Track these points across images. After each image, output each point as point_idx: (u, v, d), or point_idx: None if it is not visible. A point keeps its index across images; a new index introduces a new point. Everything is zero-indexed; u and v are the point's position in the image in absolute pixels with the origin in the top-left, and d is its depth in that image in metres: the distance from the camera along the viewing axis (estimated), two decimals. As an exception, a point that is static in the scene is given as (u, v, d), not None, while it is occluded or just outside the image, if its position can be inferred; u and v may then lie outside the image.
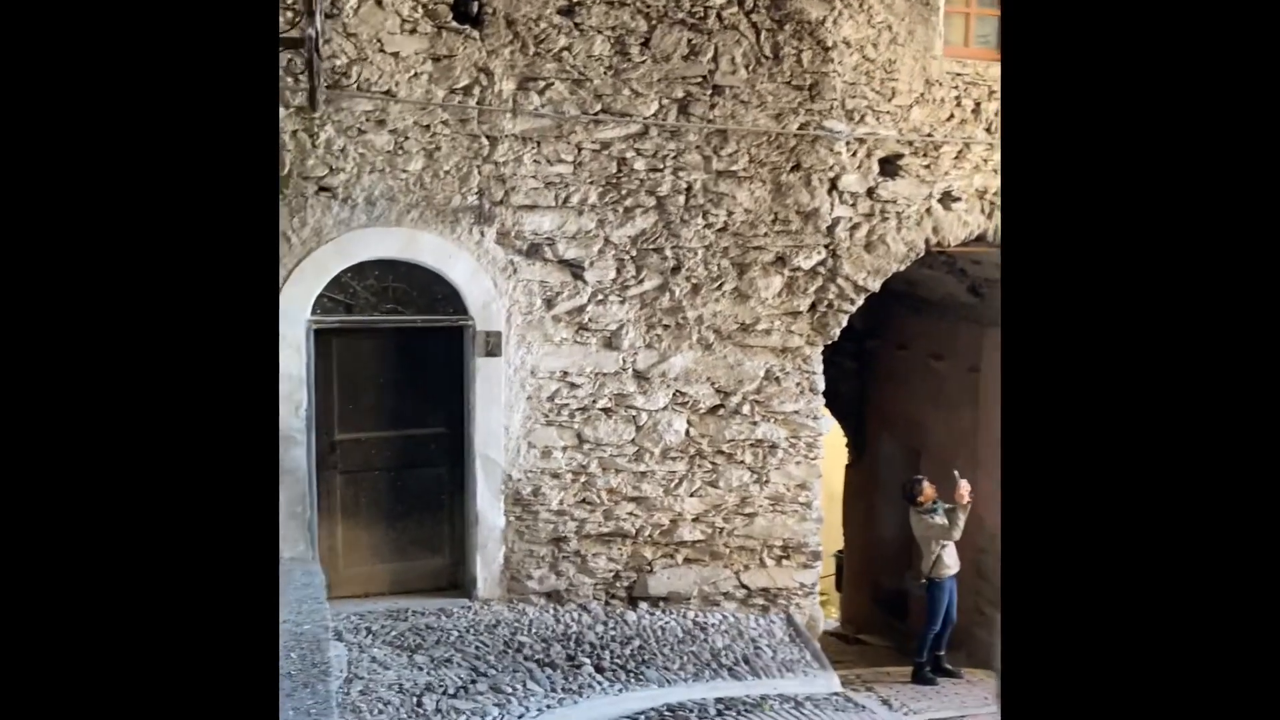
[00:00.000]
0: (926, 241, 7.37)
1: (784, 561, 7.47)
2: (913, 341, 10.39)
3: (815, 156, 7.08)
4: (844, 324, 7.36)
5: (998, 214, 7.48)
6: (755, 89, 6.99)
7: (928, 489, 7.93)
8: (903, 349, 10.53)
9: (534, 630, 6.72)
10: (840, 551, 12.78)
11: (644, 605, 7.21)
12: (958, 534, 7.75)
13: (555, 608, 7.05)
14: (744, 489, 7.32)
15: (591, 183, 6.83)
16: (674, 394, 7.13)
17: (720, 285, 7.10)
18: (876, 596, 11.41)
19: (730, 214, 7.03)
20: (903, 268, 7.37)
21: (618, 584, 7.20)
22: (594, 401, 7.02)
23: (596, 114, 6.77)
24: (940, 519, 7.77)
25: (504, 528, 6.97)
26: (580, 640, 6.64)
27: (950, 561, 7.87)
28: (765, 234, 7.09)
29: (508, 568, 7.01)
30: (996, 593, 7.85)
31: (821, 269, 7.20)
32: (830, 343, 7.38)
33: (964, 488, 7.66)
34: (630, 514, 7.16)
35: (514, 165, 6.71)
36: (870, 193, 7.22)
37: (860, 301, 7.33)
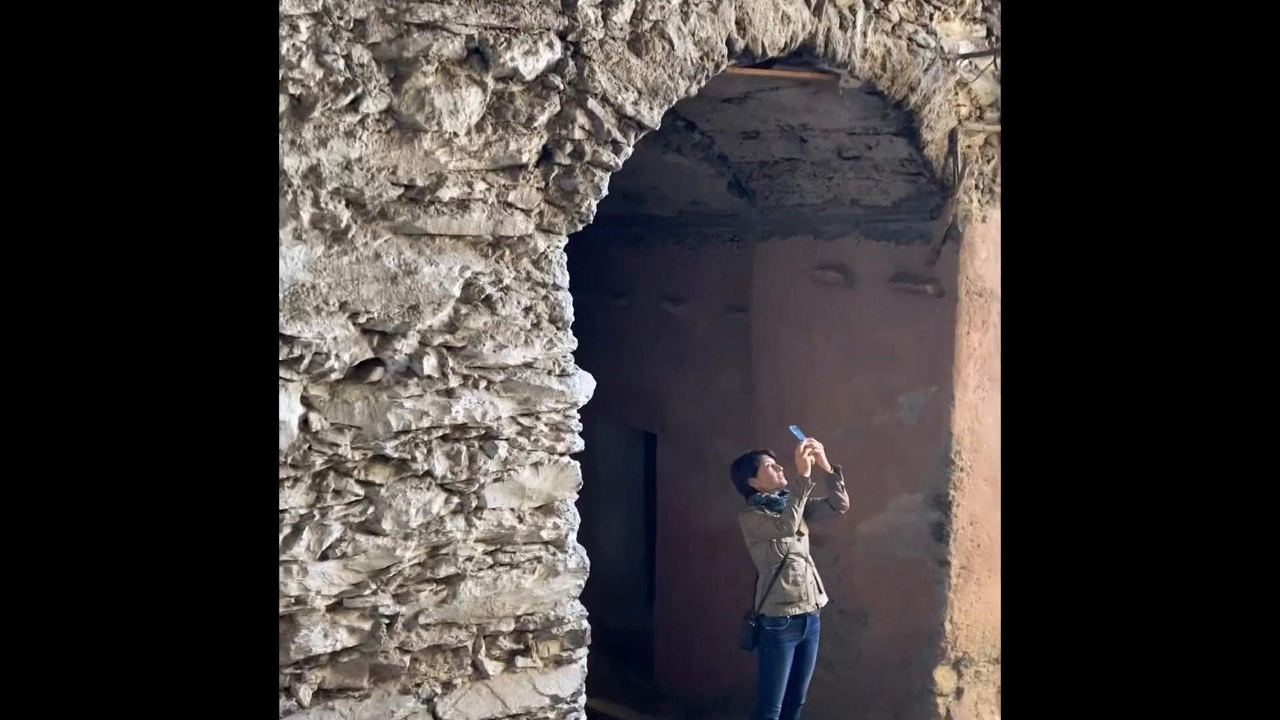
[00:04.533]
0: (729, 44, 3.84)
1: (520, 659, 3.63)
2: (636, 284, 6.86)
3: None
4: (603, 192, 3.64)
5: (829, 10, 4.13)
6: None
7: (769, 470, 4.45)
8: (621, 297, 6.98)
9: None
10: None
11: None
12: (794, 524, 4.34)
13: None
14: (434, 530, 3.42)
15: None
16: (269, 344, 3.02)
17: (356, 103, 3.13)
18: (603, 642, 7.77)
19: (365, -45, 3.11)
20: (693, 90, 3.78)
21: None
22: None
23: None
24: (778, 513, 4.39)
25: None
26: None
27: (797, 587, 4.43)
28: (444, 1, 3.22)
29: None
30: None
31: (558, 79, 3.44)
32: (581, 227, 3.63)
33: (809, 450, 4.28)
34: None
35: None
36: (633, -54, 3.59)
37: (629, 151, 3.65)
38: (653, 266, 6.65)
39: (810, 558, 4.50)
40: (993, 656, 5.14)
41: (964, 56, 4.53)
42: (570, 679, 3.71)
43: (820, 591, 4.55)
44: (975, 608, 5.05)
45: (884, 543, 5.17)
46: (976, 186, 4.70)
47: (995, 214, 4.79)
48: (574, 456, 3.64)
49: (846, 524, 4.94)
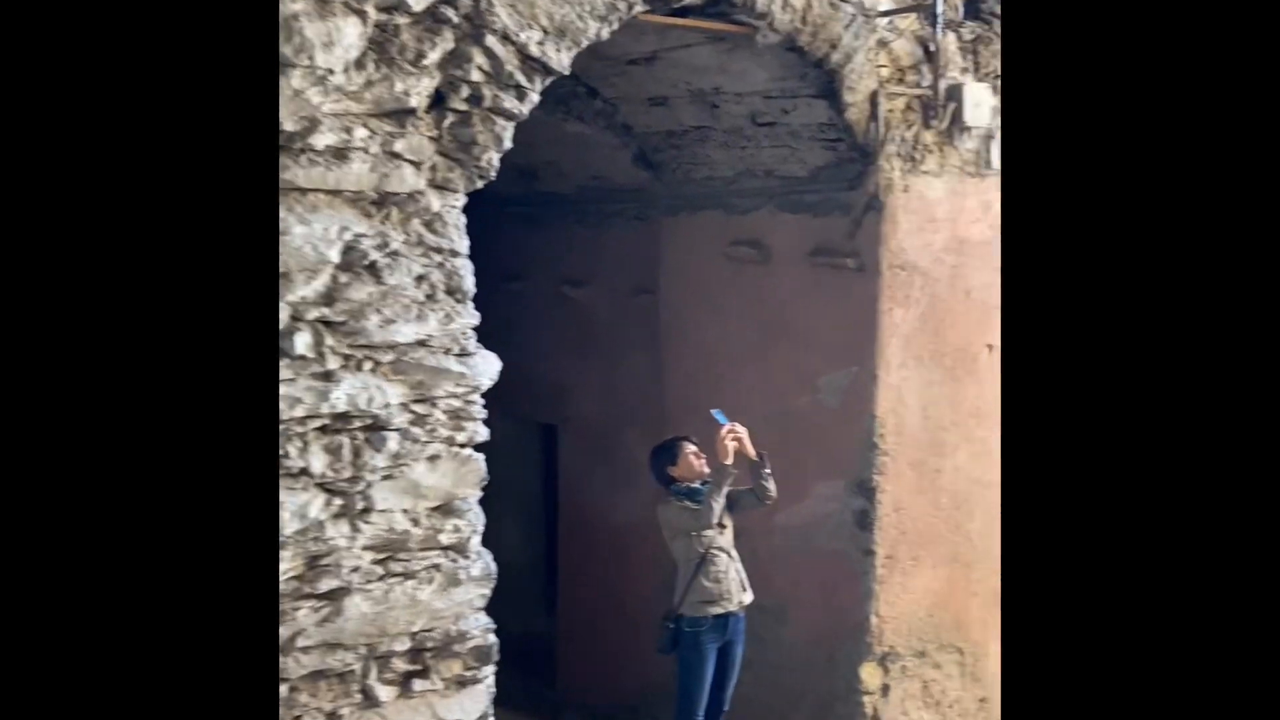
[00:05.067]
0: (645, -18, 3.43)
1: (417, 682, 3.13)
2: (532, 268, 6.38)
3: None
4: (506, 145, 3.17)
5: (747, -45, 3.76)
6: None
7: (690, 458, 4.06)
8: (515, 281, 6.49)
9: None
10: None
11: None
12: (714, 516, 3.97)
13: None
14: (313, 537, 2.89)
15: None
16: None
17: (206, 28, 2.59)
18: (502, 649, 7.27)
19: None
20: (604, 34, 3.34)
21: None
22: None
23: None
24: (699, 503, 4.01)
25: None
26: None
27: (719, 584, 4.07)
28: (312, -88, 2.71)
29: None
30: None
31: (451, 12, 2.95)
32: (481, 185, 3.15)
33: (731, 435, 3.93)
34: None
35: None
36: None
37: (534, 99, 3.19)
38: (551, 248, 6.19)
39: (734, 553, 4.13)
40: (919, 650, 4.88)
41: (886, 14, 4.23)
42: (475, 701, 3.24)
43: (745, 589, 4.19)
44: (901, 599, 4.77)
45: (804, 533, 4.85)
46: (898, 154, 4.41)
47: (918, 183, 4.51)
48: (477, 448, 3.17)
49: (764, 515, 4.59)
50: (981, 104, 4.52)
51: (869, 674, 4.74)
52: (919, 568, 4.83)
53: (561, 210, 6.03)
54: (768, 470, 4.09)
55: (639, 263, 5.58)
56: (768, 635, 4.86)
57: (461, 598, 3.16)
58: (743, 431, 4.05)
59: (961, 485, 4.95)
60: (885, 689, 4.78)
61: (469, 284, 3.06)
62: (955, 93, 4.45)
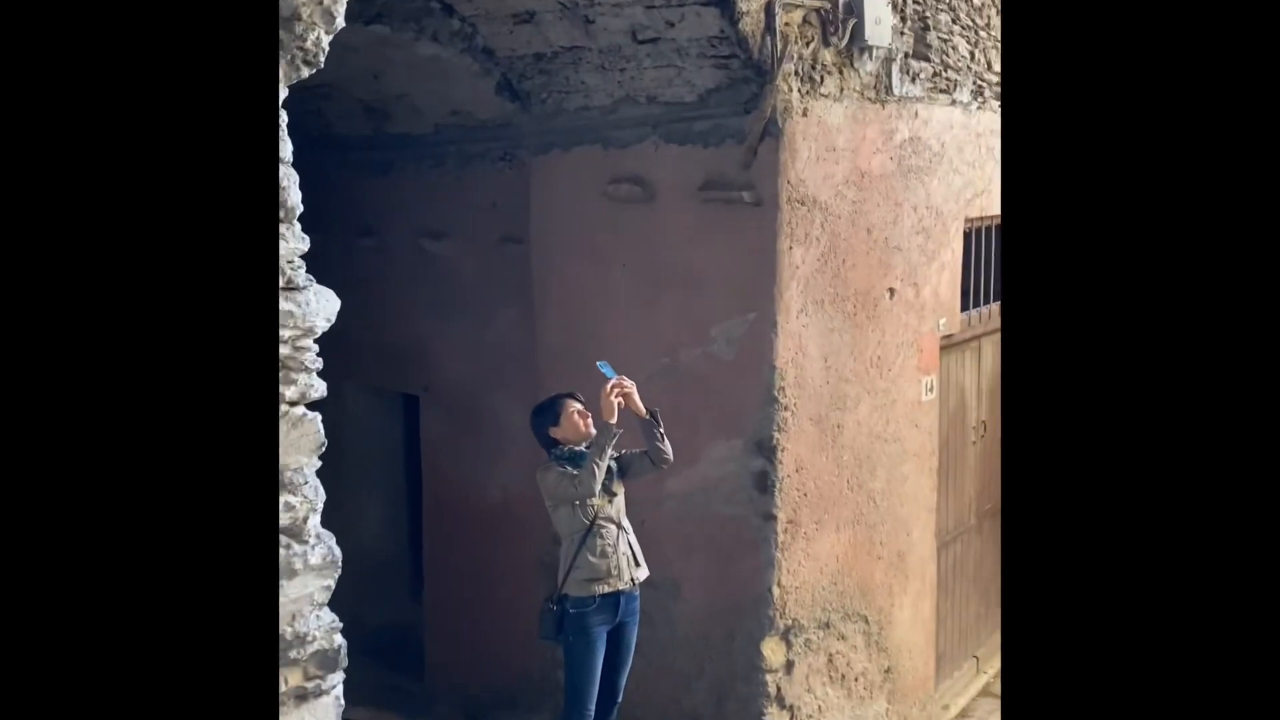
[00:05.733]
0: None
1: (244, 699, 2.49)
2: (386, 220, 5.67)
3: None
4: (338, 23, 2.51)
5: None
6: None
7: (575, 418, 3.52)
8: (368, 236, 5.76)
9: None
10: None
11: None
12: (596, 483, 3.45)
13: None
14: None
15: None
16: None
17: None
18: (363, 642, 6.54)
19: None
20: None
21: None
22: None
23: None
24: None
25: None
26: None
27: (606, 559, 3.55)
28: None
29: None
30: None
31: None
32: (307, 73, 2.49)
33: (617, 390, 3.41)
34: None
35: None
36: None
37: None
38: (406, 197, 5.50)
39: (626, 523, 3.61)
40: (824, 621, 4.48)
41: (781, -88, 3.74)
42: (320, 717, 2.60)
43: (638, 564, 3.67)
44: (804, 567, 4.35)
45: (698, 500, 4.37)
46: (796, 73, 3.94)
47: (818, 107, 4.06)
48: (311, 407, 2.53)
49: (654, 481, 4.09)
50: (882, 21, 4.09)
51: (771, 650, 4.31)
52: (822, 532, 4.42)
53: (417, 154, 5.35)
54: (661, 429, 3.58)
55: (507, 209, 4.97)
56: (658, 613, 4.37)
57: (298, 592, 2.52)
58: (630, 386, 3.52)
59: (863, 441, 4.57)
60: (789, 665, 4.36)
61: (295, 198, 2.41)
62: (855, 7, 4.00)
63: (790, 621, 4.32)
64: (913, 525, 4.94)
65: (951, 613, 5.50)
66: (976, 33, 4.90)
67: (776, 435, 4.16)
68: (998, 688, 5.69)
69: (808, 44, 3.96)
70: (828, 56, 4.04)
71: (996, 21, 5.07)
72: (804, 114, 3.99)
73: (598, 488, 3.51)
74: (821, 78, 4.04)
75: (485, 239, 5.12)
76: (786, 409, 4.17)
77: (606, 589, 3.58)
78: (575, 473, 3.47)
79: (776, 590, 4.26)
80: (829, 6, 3.94)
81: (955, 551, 5.53)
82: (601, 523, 3.54)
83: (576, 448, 3.58)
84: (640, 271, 4.41)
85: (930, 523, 5.09)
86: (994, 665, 5.87)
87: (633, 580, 3.66)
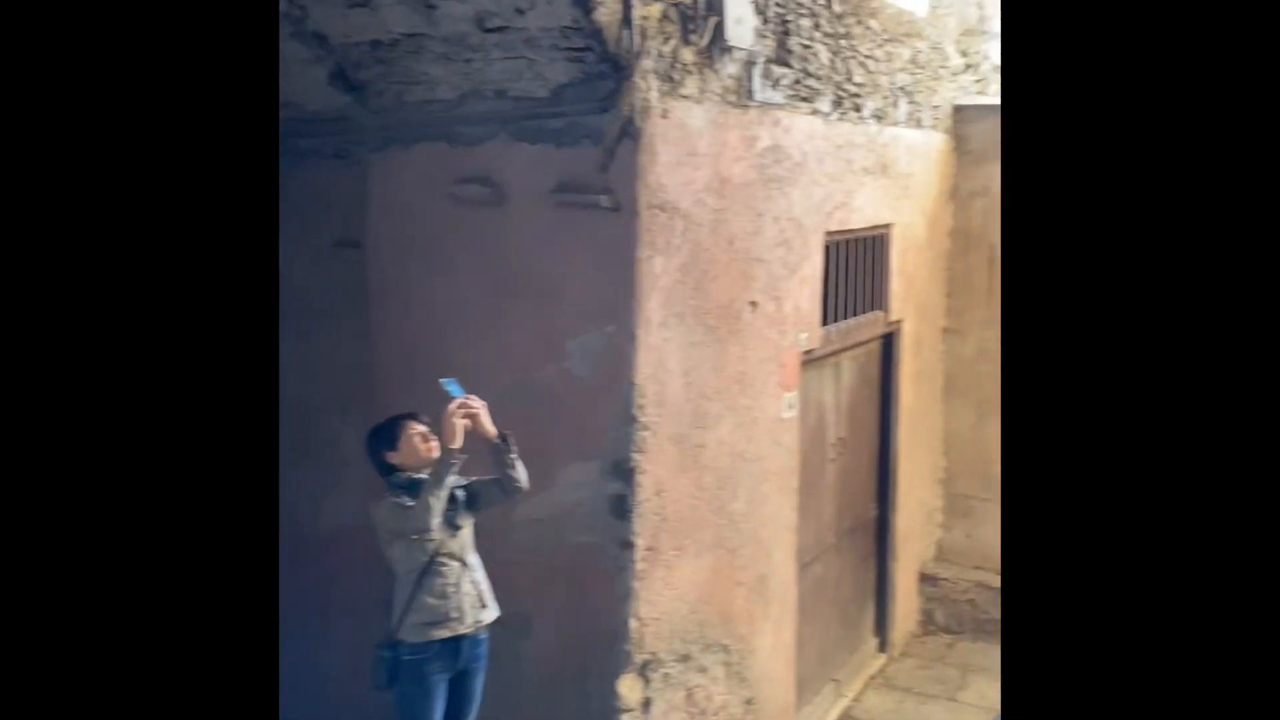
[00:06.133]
0: None
1: None
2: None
3: None
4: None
5: None
6: None
7: (415, 441, 3.13)
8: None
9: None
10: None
11: None
12: (434, 515, 3.08)
13: None
14: None
15: None
16: None
17: None
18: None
19: None
20: None
21: None
22: None
23: None
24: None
25: None
26: None
27: (446, 600, 3.18)
28: None
29: None
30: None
31: None
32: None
33: (462, 410, 3.05)
34: None
35: None
36: None
37: None
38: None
39: (472, 560, 3.24)
40: (683, 654, 4.21)
41: (640, -103, 3.48)
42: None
43: (484, 604, 3.31)
44: (663, 596, 4.08)
45: (550, 528, 4.03)
46: (656, 71, 3.69)
47: (678, 108, 3.81)
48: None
49: (501, 511, 3.74)
50: (744, 21, 3.89)
51: (628, 687, 4.01)
52: (682, 558, 4.15)
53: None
54: (514, 454, 3.24)
55: (340, 210, 4.52)
56: (505, 652, 3.99)
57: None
58: (479, 405, 3.17)
59: (725, 461, 4.34)
60: (646, 703, 4.06)
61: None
62: (716, 5, 3.78)
63: (648, 656, 4.03)
64: (774, 547, 4.75)
65: (812, 636, 5.34)
66: (838, 41, 4.78)
67: (635, 456, 3.87)
68: (858, 711, 5.56)
69: (667, 40, 3.72)
70: (688, 55, 3.80)
71: (857, 32, 4.97)
72: (664, 115, 3.74)
73: (435, 521, 3.13)
74: (682, 78, 3.80)
75: (315, 244, 4.65)
76: (646, 428, 3.89)
77: (446, 634, 3.21)
78: (410, 504, 3.09)
79: (634, 623, 3.96)
80: (690, 2, 3.71)
81: (815, 572, 5.38)
82: (442, 560, 3.16)
83: (417, 475, 3.19)
84: (489, 281, 4.05)
85: (792, 543, 4.91)
86: (854, 688, 5.75)
87: (477, 623, 3.29)
